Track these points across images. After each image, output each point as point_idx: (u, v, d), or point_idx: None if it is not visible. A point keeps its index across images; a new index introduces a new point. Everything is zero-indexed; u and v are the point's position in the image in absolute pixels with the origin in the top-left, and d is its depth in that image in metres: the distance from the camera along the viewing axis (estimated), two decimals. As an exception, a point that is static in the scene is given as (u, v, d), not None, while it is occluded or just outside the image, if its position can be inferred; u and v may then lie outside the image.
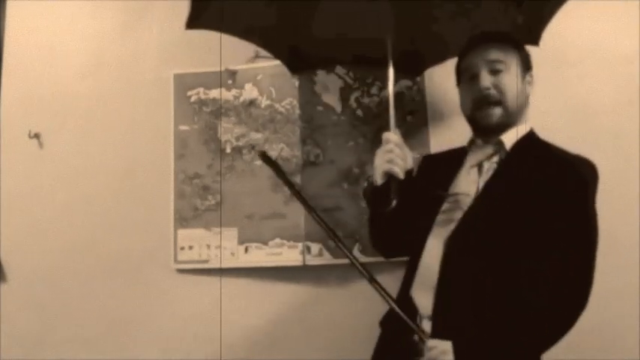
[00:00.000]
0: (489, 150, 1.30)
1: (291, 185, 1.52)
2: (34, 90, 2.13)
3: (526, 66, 1.34)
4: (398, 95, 1.91)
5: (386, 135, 1.33)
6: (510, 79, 1.28)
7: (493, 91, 1.27)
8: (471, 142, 1.37)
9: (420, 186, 1.37)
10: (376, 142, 1.89)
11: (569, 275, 1.15)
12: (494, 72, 1.28)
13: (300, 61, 1.84)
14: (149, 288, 1.97)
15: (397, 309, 1.25)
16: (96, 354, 1.95)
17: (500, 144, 1.29)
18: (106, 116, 2.09)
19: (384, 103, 1.92)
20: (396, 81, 1.88)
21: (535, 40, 1.59)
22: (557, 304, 1.14)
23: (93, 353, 1.95)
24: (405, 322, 1.21)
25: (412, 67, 1.84)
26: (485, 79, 1.28)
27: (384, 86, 1.93)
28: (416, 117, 1.90)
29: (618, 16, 1.87)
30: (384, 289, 1.31)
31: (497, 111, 1.27)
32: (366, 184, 1.39)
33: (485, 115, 1.28)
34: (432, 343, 1.15)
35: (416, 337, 1.19)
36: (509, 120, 1.28)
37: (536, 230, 1.16)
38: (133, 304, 1.98)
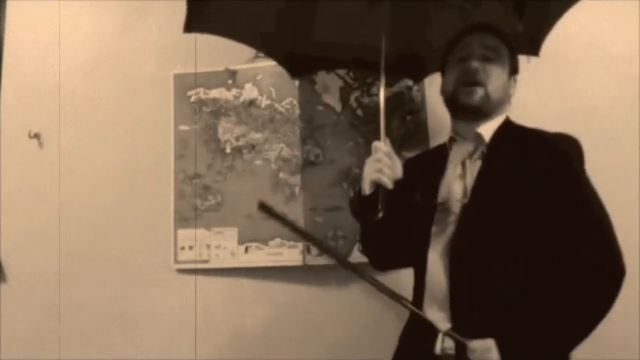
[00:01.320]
0: (470, 147, 1.29)
1: (298, 230, 1.47)
2: (34, 90, 2.13)
3: (514, 68, 1.34)
4: (398, 95, 1.92)
5: (375, 144, 1.30)
6: (499, 70, 1.28)
7: (480, 74, 1.26)
8: (451, 140, 1.35)
9: (406, 193, 1.34)
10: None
11: (593, 248, 1.13)
12: (485, 59, 1.28)
13: (299, 65, 1.84)
14: (149, 288, 1.97)
15: (416, 311, 1.20)
16: (96, 354, 1.95)
17: (479, 138, 1.27)
18: (106, 116, 2.09)
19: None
20: (396, 81, 1.92)
21: (535, 51, 1.60)
22: (591, 282, 1.12)
23: (93, 353, 1.95)
24: (427, 336, 1.17)
25: (414, 71, 1.84)
26: (475, 62, 1.27)
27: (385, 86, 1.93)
28: (416, 117, 1.90)
29: (618, 16, 1.87)
30: (406, 299, 1.23)
31: (479, 91, 1.26)
32: (352, 194, 1.36)
33: (468, 92, 1.27)
34: (474, 344, 1.11)
35: (437, 349, 1.16)
36: (489, 106, 1.27)
37: (537, 217, 1.15)
38: (133, 304, 1.98)
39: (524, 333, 1.11)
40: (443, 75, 1.38)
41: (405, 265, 1.36)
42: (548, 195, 1.15)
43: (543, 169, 1.17)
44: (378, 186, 1.27)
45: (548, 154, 1.19)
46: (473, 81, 1.26)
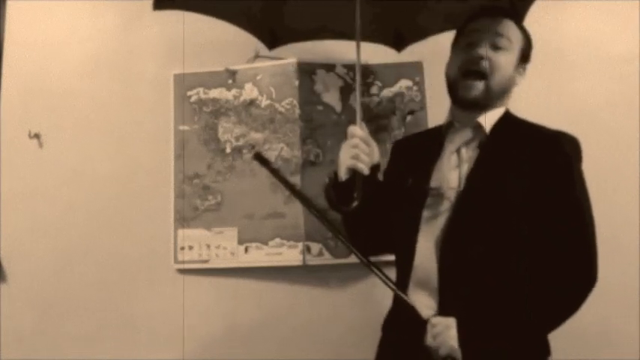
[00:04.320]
0: (467, 134, 1.27)
1: (288, 184, 1.43)
2: (34, 90, 2.13)
3: (525, 57, 1.29)
4: (398, 95, 1.93)
5: (351, 129, 1.27)
6: (507, 60, 1.24)
7: (484, 63, 1.22)
8: (448, 125, 1.31)
9: (394, 176, 1.34)
10: (376, 141, 1.88)
11: (571, 250, 1.14)
12: (496, 47, 1.23)
13: (276, 37, 1.80)
14: (149, 288, 1.97)
15: (402, 294, 1.20)
16: (96, 354, 1.95)
17: (479, 127, 1.25)
18: (105, 116, 2.08)
19: (384, 103, 1.93)
20: (395, 81, 1.92)
21: (519, 21, 1.53)
22: (562, 281, 1.13)
23: (93, 353, 1.95)
24: (408, 323, 1.17)
25: (398, 41, 1.81)
26: (483, 48, 1.22)
27: (384, 86, 1.94)
28: (416, 117, 1.90)
29: (618, 16, 1.87)
30: (387, 277, 1.23)
31: (480, 85, 1.22)
32: (327, 181, 1.30)
33: (467, 85, 1.23)
34: (435, 319, 1.13)
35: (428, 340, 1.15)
36: (488, 99, 1.24)
37: (529, 210, 1.14)
38: (133, 304, 1.97)
39: (486, 317, 1.12)
40: (450, 57, 1.33)
41: (389, 251, 1.35)
42: (542, 191, 1.15)
43: (542, 166, 1.17)
44: (354, 172, 1.24)
45: (549, 150, 1.19)
46: (475, 70, 1.23)
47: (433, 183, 1.24)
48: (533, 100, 1.84)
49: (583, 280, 1.15)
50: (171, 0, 1.51)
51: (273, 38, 1.81)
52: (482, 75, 1.22)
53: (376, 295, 1.80)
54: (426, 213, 1.23)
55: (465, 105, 1.26)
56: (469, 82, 1.23)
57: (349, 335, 1.85)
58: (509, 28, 1.25)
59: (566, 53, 1.88)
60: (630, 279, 1.76)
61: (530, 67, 1.76)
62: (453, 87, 1.29)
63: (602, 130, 1.82)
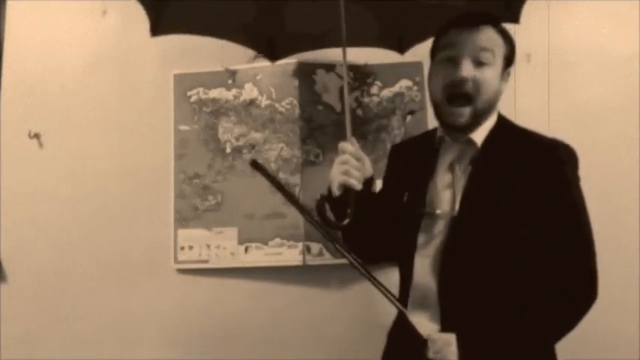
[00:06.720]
0: (460, 148, 1.24)
1: (286, 191, 1.40)
2: (34, 90, 2.13)
3: (510, 61, 1.23)
4: (398, 95, 1.93)
5: (341, 145, 1.25)
6: (492, 75, 1.17)
7: (470, 85, 1.16)
8: (440, 140, 1.27)
9: (393, 185, 1.34)
10: (376, 142, 1.92)
11: (569, 262, 1.13)
12: (479, 63, 1.16)
13: (277, 49, 1.80)
14: (149, 288, 1.97)
15: (399, 306, 1.21)
16: (96, 354, 1.95)
17: (470, 142, 1.22)
18: (106, 116, 2.08)
19: (384, 103, 1.93)
20: (395, 81, 1.92)
21: (515, 18, 1.47)
22: (561, 293, 1.12)
23: (93, 353, 1.95)
24: (409, 328, 1.17)
25: (399, 43, 1.78)
26: (467, 68, 1.15)
27: (384, 86, 1.94)
28: (416, 117, 1.90)
29: (618, 16, 1.87)
30: (385, 287, 1.23)
31: (466, 111, 1.17)
32: (318, 197, 1.29)
33: (453, 113, 1.18)
34: (435, 335, 1.13)
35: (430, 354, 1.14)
36: (476, 121, 1.20)
37: (526, 221, 1.13)
38: (133, 304, 1.98)
39: (485, 332, 1.12)
40: (430, 69, 1.27)
41: (388, 260, 1.34)
42: (540, 200, 1.14)
43: (538, 174, 1.15)
44: (346, 188, 1.23)
45: (545, 159, 1.17)
46: (459, 96, 1.17)
47: (428, 205, 1.22)
48: (534, 100, 1.85)
49: (582, 293, 1.14)
50: (169, 25, 1.51)
51: (274, 51, 1.80)
52: (468, 98, 1.17)
53: (376, 296, 1.80)
54: (421, 236, 1.22)
55: (452, 130, 1.24)
56: (455, 110, 1.18)
57: (349, 335, 1.85)
58: (491, 37, 1.18)
59: (566, 53, 1.88)
60: (630, 279, 1.76)
61: (531, 67, 1.77)
62: (438, 111, 1.24)
63: (602, 130, 1.81)
